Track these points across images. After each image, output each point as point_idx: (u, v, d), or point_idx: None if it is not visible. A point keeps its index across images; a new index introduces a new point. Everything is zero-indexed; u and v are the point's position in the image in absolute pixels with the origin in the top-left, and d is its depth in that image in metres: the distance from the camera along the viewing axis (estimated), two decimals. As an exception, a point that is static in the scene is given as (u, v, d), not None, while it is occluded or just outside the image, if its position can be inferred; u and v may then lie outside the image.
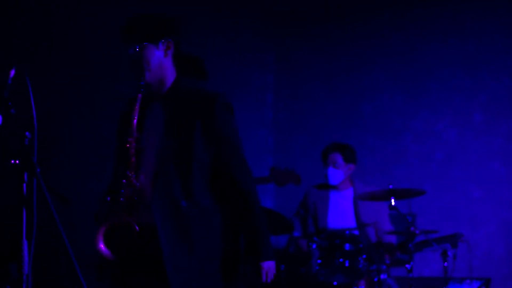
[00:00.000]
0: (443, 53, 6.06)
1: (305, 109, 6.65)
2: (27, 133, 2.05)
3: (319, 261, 4.30)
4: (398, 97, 6.23)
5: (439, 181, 5.91)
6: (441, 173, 5.95)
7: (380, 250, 4.78)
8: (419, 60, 6.15)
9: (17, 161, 2.07)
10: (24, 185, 2.05)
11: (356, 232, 4.87)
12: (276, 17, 6.74)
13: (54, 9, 4.92)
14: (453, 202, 5.85)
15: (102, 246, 2.55)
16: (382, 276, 4.50)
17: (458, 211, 5.82)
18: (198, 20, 5.97)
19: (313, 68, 6.67)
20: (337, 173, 5.01)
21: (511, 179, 5.71)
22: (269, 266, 2.75)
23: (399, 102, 6.21)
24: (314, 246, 4.35)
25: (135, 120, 2.67)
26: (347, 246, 4.40)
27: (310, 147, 6.34)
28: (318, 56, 6.66)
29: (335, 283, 4.31)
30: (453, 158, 5.94)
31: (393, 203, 4.52)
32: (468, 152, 5.88)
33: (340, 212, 5.06)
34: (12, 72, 2.02)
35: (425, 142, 6.05)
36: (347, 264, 4.30)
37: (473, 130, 5.88)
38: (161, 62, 2.74)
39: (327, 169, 5.03)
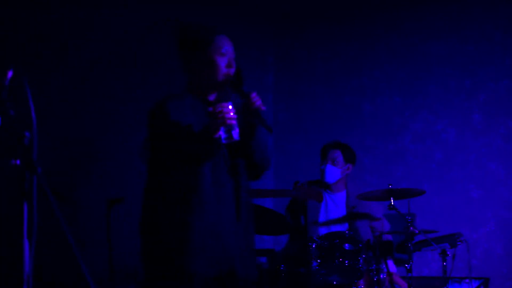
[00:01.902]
0: (443, 53, 6.07)
1: (305, 109, 6.66)
2: (26, 133, 2.05)
3: (318, 260, 4.30)
4: (398, 97, 6.24)
5: (438, 181, 5.93)
6: (440, 173, 5.96)
7: (372, 252, 4.77)
8: (419, 61, 6.16)
9: (17, 161, 2.08)
10: (26, 184, 2.06)
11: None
12: (276, 17, 6.74)
13: (53, 9, 4.92)
14: (452, 202, 5.86)
15: None
16: (382, 276, 4.50)
17: (457, 211, 5.83)
18: (197, 21, 5.97)
19: (313, 68, 6.67)
20: (335, 171, 4.94)
21: (509, 179, 5.72)
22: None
23: (399, 102, 6.23)
24: (313, 245, 4.35)
25: None
26: (346, 246, 4.39)
27: (310, 147, 6.35)
28: (318, 56, 6.66)
29: (334, 282, 4.31)
30: (452, 158, 5.95)
31: (392, 203, 4.52)
32: (467, 152, 5.89)
33: (332, 216, 4.99)
34: (10, 73, 2.02)
35: (424, 142, 6.06)
36: (346, 264, 4.30)
37: (472, 130, 5.89)
38: None
39: (325, 166, 4.95)
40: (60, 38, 4.98)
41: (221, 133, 2.82)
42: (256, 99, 2.92)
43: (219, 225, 2.86)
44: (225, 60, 3.02)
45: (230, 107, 2.80)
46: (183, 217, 2.82)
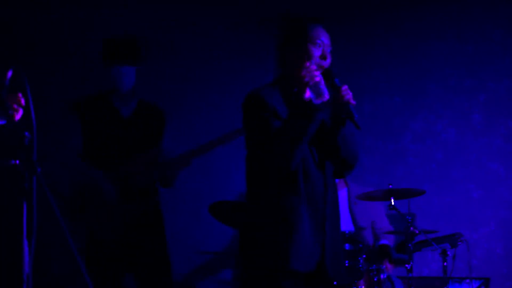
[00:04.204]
0: (443, 53, 6.06)
1: (305, 109, 6.64)
2: (26, 133, 2.06)
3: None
4: (398, 97, 6.23)
5: (439, 181, 5.92)
6: (440, 173, 5.95)
7: (377, 254, 4.77)
8: (419, 60, 6.15)
9: (17, 161, 2.08)
10: (26, 184, 2.06)
11: None
12: (276, 17, 6.73)
13: (53, 9, 4.93)
14: (452, 202, 5.86)
15: None
16: (382, 276, 4.50)
17: (457, 211, 5.82)
18: (198, 21, 5.97)
19: (313, 68, 6.65)
20: None
21: (510, 179, 5.72)
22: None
23: (399, 102, 6.22)
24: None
25: None
26: (346, 246, 4.39)
27: (310, 147, 6.34)
28: (317, 56, 6.65)
29: (334, 283, 4.31)
30: (452, 158, 5.94)
31: (392, 203, 4.52)
32: (467, 152, 5.89)
33: None
34: (10, 73, 2.03)
35: (425, 142, 6.06)
36: (346, 264, 4.30)
37: (472, 130, 5.89)
38: None
39: None
40: (60, 38, 4.98)
41: (310, 95, 2.77)
42: (346, 92, 2.89)
43: (309, 222, 2.81)
44: (319, 51, 2.99)
45: (312, 66, 2.79)
46: (277, 214, 2.79)
